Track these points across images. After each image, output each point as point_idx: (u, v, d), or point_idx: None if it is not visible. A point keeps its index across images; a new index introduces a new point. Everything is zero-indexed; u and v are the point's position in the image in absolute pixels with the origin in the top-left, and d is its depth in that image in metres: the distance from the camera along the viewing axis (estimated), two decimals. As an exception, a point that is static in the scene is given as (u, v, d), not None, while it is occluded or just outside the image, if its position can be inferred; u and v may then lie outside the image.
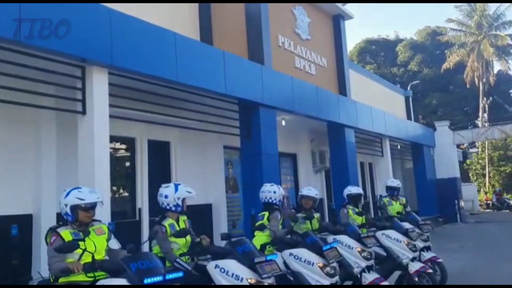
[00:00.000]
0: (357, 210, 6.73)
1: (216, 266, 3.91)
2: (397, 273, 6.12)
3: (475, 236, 13.97)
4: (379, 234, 6.11)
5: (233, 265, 3.89)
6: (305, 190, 6.13)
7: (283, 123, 10.73)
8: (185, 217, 4.49)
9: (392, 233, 6.19)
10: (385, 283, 5.30)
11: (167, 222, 4.31)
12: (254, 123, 9.07)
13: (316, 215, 6.00)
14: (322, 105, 11.05)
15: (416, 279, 5.90)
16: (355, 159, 12.61)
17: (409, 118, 21.21)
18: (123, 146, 8.51)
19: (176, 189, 4.34)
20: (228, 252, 4.07)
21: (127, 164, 8.55)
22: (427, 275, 6.01)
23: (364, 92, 16.01)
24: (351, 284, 5.36)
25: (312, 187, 6.31)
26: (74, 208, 3.59)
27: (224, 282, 3.82)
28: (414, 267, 5.95)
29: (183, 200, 4.32)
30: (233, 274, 3.82)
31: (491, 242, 12.26)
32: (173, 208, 4.31)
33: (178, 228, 4.29)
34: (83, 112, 6.09)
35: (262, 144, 9.00)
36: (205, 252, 4.17)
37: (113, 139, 7.52)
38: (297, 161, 13.08)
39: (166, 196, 4.33)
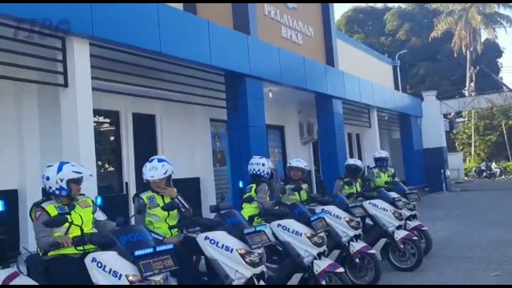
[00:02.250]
0: (345, 179, 6.81)
1: (206, 238, 3.92)
2: (382, 241, 6.21)
3: (460, 204, 14.25)
4: (366, 203, 6.19)
5: (223, 236, 3.91)
6: (294, 162, 6.12)
7: (270, 95, 10.64)
8: (175, 190, 4.44)
9: (379, 202, 6.29)
10: (372, 251, 5.40)
11: (145, 194, 4.28)
12: (241, 95, 8.97)
13: (304, 186, 6.03)
14: (309, 76, 10.95)
15: (402, 246, 6.04)
16: (342, 130, 12.63)
17: (396, 88, 21.22)
18: (107, 120, 8.38)
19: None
20: (218, 224, 4.07)
21: (112, 138, 8.44)
22: (412, 242, 6.16)
23: (352, 62, 15.90)
24: (339, 252, 5.44)
25: (301, 159, 6.32)
26: (69, 182, 3.59)
27: (214, 253, 3.85)
28: (399, 234, 6.11)
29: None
30: (223, 245, 3.84)
31: (475, 210, 12.53)
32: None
33: (161, 202, 4.26)
34: (65, 85, 5.94)
35: (249, 116, 8.93)
36: (194, 224, 4.15)
37: (96, 112, 7.39)
38: (284, 133, 13.06)
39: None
